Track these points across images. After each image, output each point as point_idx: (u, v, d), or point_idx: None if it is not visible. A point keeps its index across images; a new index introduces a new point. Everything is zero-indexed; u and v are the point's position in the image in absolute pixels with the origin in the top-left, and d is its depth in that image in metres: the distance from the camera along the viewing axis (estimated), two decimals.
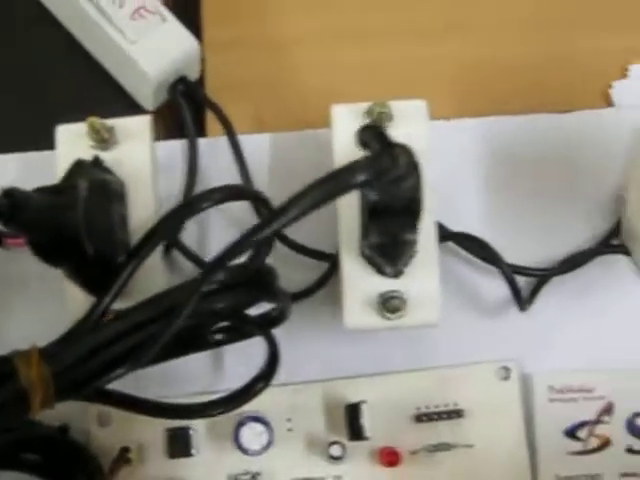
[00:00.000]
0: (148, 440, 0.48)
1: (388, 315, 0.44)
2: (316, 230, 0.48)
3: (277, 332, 0.44)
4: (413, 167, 0.36)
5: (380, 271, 0.44)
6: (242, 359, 0.46)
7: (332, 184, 0.34)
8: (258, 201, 0.43)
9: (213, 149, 0.51)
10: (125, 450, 0.46)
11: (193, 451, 0.48)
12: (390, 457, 0.48)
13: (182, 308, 0.39)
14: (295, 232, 0.48)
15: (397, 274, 0.44)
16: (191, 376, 0.48)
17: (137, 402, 0.44)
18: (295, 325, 0.47)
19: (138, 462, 0.48)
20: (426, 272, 0.44)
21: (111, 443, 0.48)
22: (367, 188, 0.38)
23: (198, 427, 0.48)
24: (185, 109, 0.50)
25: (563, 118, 0.52)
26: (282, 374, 0.46)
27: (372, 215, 0.40)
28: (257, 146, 0.51)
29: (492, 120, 0.51)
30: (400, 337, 0.49)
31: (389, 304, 0.44)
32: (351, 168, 0.34)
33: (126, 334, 0.40)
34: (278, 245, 0.48)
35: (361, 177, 0.34)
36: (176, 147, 0.50)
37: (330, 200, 0.34)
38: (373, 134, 0.34)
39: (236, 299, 0.41)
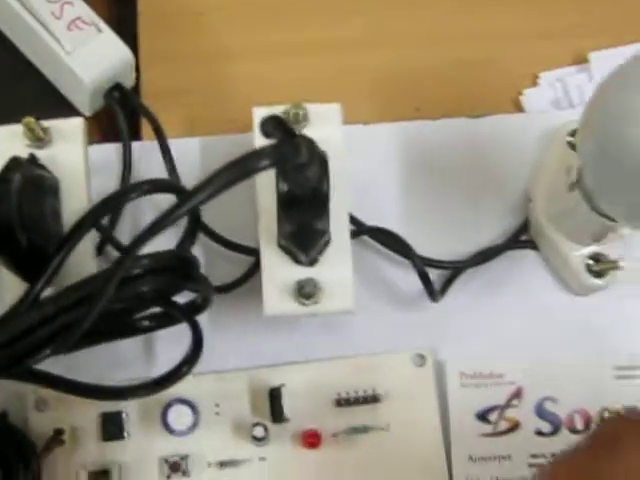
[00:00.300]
0: (82, 424, 0.50)
1: (304, 301, 0.47)
2: (243, 226, 0.51)
3: (206, 322, 0.48)
4: (316, 156, 0.40)
5: (296, 260, 0.47)
6: (173, 347, 0.49)
7: (239, 167, 0.38)
8: (183, 194, 0.46)
9: (146, 152, 0.54)
10: (58, 432, 0.49)
11: (125, 434, 0.50)
12: (311, 439, 0.50)
13: (103, 291, 0.41)
14: (224, 228, 0.51)
15: (312, 262, 0.47)
16: (125, 362, 0.51)
17: (70, 383, 0.47)
18: (222, 316, 0.51)
19: (72, 445, 0.50)
20: (339, 261, 0.48)
21: (48, 428, 0.50)
22: (279, 178, 0.42)
23: (130, 411, 0.51)
24: (119, 114, 0.53)
25: (476, 122, 0.55)
26: (210, 362, 0.49)
27: (284, 205, 0.43)
28: (188, 149, 0.54)
29: (409, 124, 0.55)
30: (320, 326, 0.53)
31: (304, 291, 0.47)
32: (256, 154, 0.38)
33: (51, 318, 0.43)
34: (208, 241, 0.52)
35: (265, 162, 0.38)
36: (111, 150, 0.54)
37: (238, 181, 0.37)
38: (274, 124, 0.38)
39: (159, 283, 0.44)
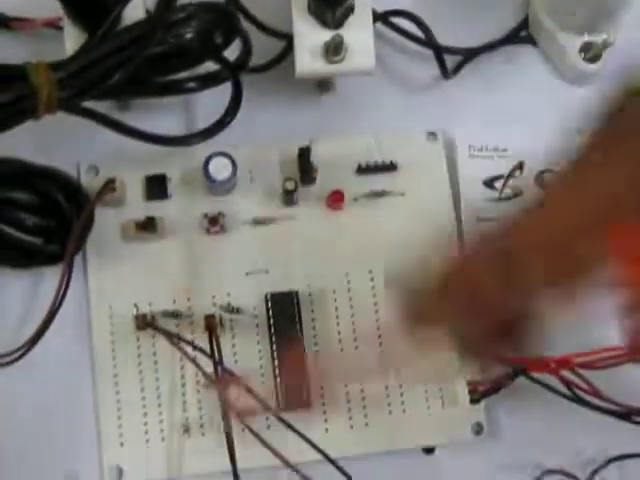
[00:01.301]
0: (130, 185, 0.56)
1: (332, 58, 0.53)
2: (277, 13, 0.57)
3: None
4: None
5: (324, 23, 0.53)
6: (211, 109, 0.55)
7: None
8: None
9: None
10: (110, 181, 0.54)
11: (169, 194, 0.56)
12: (337, 198, 0.56)
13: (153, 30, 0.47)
14: (260, 12, 0.57)
15: (337, 25, 0.53)
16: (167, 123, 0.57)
17: (123, 126, 0.52)
18: (255, 95, 0.56)
19: (120, 203, 0.56)
20: (362, 25, 0.54)
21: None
22: None
23: (173, 175, 0.56)
24: None
25: None
26: (243, 137, 0.55)
27: None
28: None
29: None
30: (343, 106, 0.58)
31: (332, 48, 0.53)
32: None
33: (114, 52, 0.49)
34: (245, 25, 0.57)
35: None
36: None
37: None
38: None
39: (203, 25, 0.50)
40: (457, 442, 0.55)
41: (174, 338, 0.51)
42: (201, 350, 0.51)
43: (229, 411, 0.50)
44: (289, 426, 0.50)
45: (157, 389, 0.54)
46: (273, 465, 0.51)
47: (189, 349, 0.52)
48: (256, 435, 0.49)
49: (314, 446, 0.50)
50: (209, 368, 0.52)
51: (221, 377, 0.51)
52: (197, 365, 0.50)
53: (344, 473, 0.50)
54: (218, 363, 0.51)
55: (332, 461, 0.50)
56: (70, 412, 0.54)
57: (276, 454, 0.48)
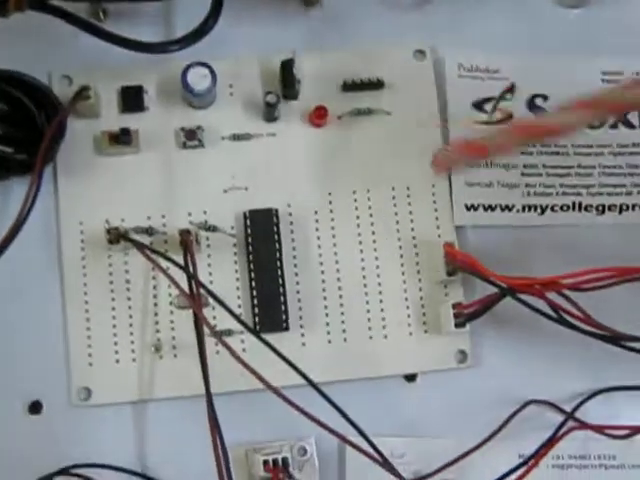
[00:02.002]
0: (105, 94, 0.53)
1: None
2: None
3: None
4: None
5: None
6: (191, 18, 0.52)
7: None
8: None
9: None
10: (85, 88, 0.51)
11: (145, 106, 0.53)
12: (320, 114, 0.53)
13: None
14: None
15: None
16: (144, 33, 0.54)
17: (99, 29, 0.50)
18: (237, 7, 0.54)
19: (95, 114, 0.53)
20: None
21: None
22: None
23: (149, 87, 0.54)
24: None
25: None
26: (224, 50, 0.53)
27: None
28: None
29: None
30: (330, 19, 0.56)
31: None
32: None
33: None
34: None
35: None
36: None
37: None
38: None
39: None
40: (440, 370, 0.52)
41: (147, 250, 0.49)
42: (175, 263, 0.49)
43: (203, 328, 0.48)
44: (269, 346, 0.47)
45: (128, 308, 0.52)
46: (247, 389, 0.49)
47: (163, 264, 0.49)
48: (235, 356, 0.46)
49: (295, 368, 0.47)
50: (184, 286, 0.49)
51: (195, 294, 0.48)
52: (171, 278, 0.48)
53: (324, 395, 0.47)
54: (193, 278, 0.48)
55: (312, 384, 0.47)
56: (36, 331, 0.51)
57: (257, 376, 0.46)
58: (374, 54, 0.55)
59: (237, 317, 0.49)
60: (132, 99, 0.53)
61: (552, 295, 0.47)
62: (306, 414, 0.46)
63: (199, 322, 0.48)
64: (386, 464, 0.47)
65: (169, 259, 0.48)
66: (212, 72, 0.52)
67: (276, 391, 0.46)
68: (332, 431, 0.47)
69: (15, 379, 0.51)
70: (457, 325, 0.50)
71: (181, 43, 0.51)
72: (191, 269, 0.49)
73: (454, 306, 0.51)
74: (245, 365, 0.46)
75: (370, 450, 0.47)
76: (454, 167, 0.53)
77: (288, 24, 0.56)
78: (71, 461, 0.50)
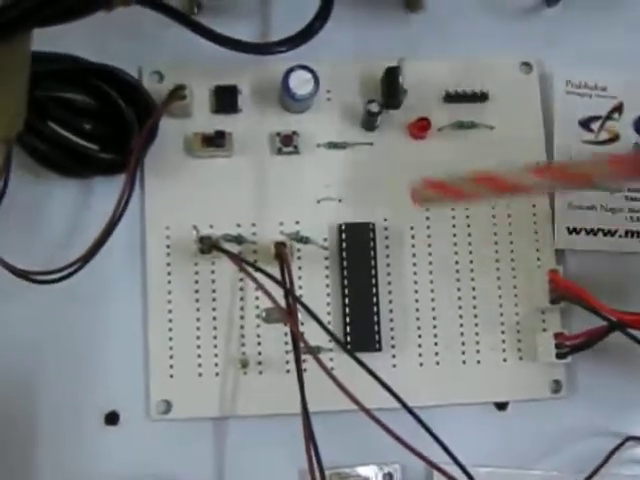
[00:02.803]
0: (197, 93, 0.51)
1: None
2: None
3: None
4: None
5: None
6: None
7: None
8: None
9: None
10: (180, 87, 0.49)
11: (239, 107, 0.51)
12: (422, 125, 0.51)
13: None
14: None
15: None
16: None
17: (203, 27, 0.47)
18: (338, 9, 0.51)
19: (187, 114, 0.51)
20: None
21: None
22: None
23: (244, 87, 0.51)
24: None
25: None
26: (321, 53, 0.50)
27: None
28: None
29: None
30: (433, 27, 0.53)
31: None
32: None
33: None
34: None
35: None
36: None
37: None
38: None
39: None
40: (532, 399, 0.50)
41: (243, 263, 0.46)
42: (272, 278, 0.46)
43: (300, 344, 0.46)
44: (365, 367, 0.45)
45: (213, 319, 0.49)
46: (333, 410, 0.47)
47: (257, 276, 0.47)
48: (329, 374, 0.44)
49: (389, 390, 0.45)
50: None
51: (292, 309, 0.46)
52: (267, 293, 0.45)
53: (418, 419, 0.45)
54: (290, 292, 0.46)
55: (407, 407, 0.45)
56: (116, 339, 0.49)
57: (350, 396, 0.44)
58: (478, 64, 0.53)
59: (333, 335, 0.46)
60: (226, 99, 0.51)
61: None
62: (398, 439, 0.44)
63: (296, 338, 0.46)
64: None
65: (266, 274, 0.46)
66: (315, 77, 0.49)
67: (369, 413, 0.44)
68: (423, 457, 0.44)
69: (93, 389, 0.49)
70: (558, 356, 0.48)
71: (287, 45, 0.48)
72: (288, 284, 0.46)
73: (556, 336, 0.48)
74: (339, 385, 0.44)
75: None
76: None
77: (389, 28, 0.53)
78: (147, 476, 0.48)
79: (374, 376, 0.45)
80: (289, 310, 0.46)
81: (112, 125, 0.49)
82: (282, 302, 0.46)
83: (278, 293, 0.47)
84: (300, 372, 0.46)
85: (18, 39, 0.42)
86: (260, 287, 0.46)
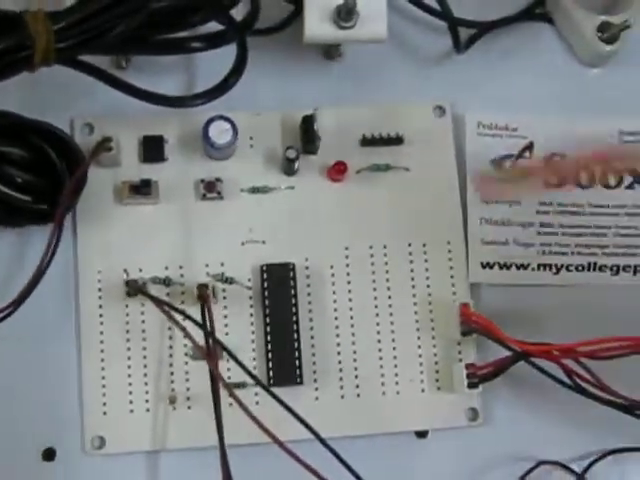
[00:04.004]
0: (125, 144, 0.54)
1: (342, 24, 0.51)
2: None
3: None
4: None
5: None
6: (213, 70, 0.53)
7: None
8: None
9: None
10: (106, 140, 0.52)
11: (165, 157, 0.54)
12: (339, 168, 0.54)
13: None
14: None
15: None
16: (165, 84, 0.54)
17: (123, 83, 0.50)
18: (260, 59, 0.54)
19: (115, 163, 0.53)
20: None
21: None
22: None
23: (170, 137, 0.54)
24: None
25: None
26: (246, 102, 0.53)
27: None
28: None
29: None
30: (350, 75, 0.56)
31: (344, 13, 0.50)
32: None
33: (116, 4, 0.47)
34: None
35: None
36: None
37: None
38: None
39: None
40: (451, 427, 0.53)
41: (165, 306, 0.49)
42: (193, 320, 0.49)
43: (218, 382, 0.48)
44: (280, 402, 0.48)
45: (144, 358, 0.52)
46: (259, 442, 0.49)
47: (180, 318, 0.50)
48: (245, 410, 0.47)
49: (305, 424, 0.48)
50: (200, 339, 0.50)
51: (212, 350, 0.49)
52: (188, 335, 0.48)
53: (333, 452, 0.48)
54: (210, 334, 0.49)
55: (322, 440, 0.48)
56: (51, 379, 0.52)
57: (265, 430, 0.46)
58: (394, 109, 0.56)
59: (250, 373, 0.49)
60: (153, 149, 0.53)
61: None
62: (313, 471, 0.46)
63: (215, 377, 0.48)
64: None
65: (188, 317, 0.49)
66: (233, 126, 0.52)
67: (282, 445, 0.46)
68: None
69: (30, 426, 0.51)
70: (470, 386, 0.51)
71: (202, 98, 0.51)
72: (208, 325, 0.49)
73: (467, 366, 0.51)
74: (255, 420, 0.47)
75: None
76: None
77: (309, 77, 0.56)
78: None
79: (290, 411, 0.48)
80: (208, 350, 0.49)
81: (44, 177, 0.52)
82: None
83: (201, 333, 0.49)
84: (218, 408, 0.48)
85: None
86: (181, 329, 0.49)
